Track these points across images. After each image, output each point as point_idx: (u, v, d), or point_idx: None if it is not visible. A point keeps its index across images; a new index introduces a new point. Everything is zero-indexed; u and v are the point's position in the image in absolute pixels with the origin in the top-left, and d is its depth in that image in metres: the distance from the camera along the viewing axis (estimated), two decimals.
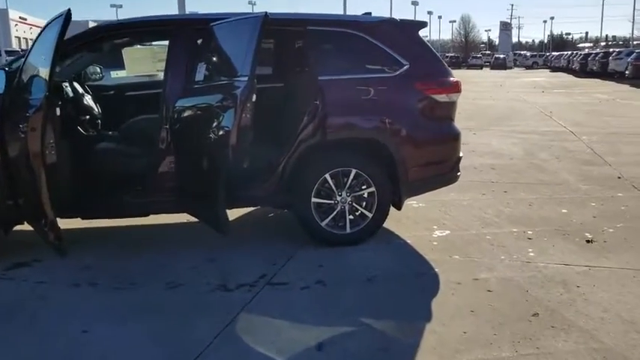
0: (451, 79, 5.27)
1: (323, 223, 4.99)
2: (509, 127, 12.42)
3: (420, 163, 5.11)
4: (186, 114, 4.58)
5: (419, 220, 5.78)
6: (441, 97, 5.17)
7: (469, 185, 7.03)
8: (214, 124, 4.30)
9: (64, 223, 5.12)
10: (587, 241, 5.20)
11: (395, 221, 5.46)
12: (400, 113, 5.08)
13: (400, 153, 4.98)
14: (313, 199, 4.95)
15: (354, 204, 5.03)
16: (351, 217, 5.04)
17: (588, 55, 39.92)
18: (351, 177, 4.98)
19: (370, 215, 5.05)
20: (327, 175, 4.94)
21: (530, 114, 15.19)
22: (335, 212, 5.01)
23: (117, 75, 6.49)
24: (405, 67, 5.09)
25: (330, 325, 3.69)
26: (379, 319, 3.78)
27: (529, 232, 5.45)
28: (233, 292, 4.20)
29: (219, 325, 3.70)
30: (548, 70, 53.28)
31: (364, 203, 5.09)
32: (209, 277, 4.43)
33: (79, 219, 5.00)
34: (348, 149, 5.05)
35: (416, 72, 5.12)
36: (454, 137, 5.30)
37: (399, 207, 5.16)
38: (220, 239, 4.68)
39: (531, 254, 4.90)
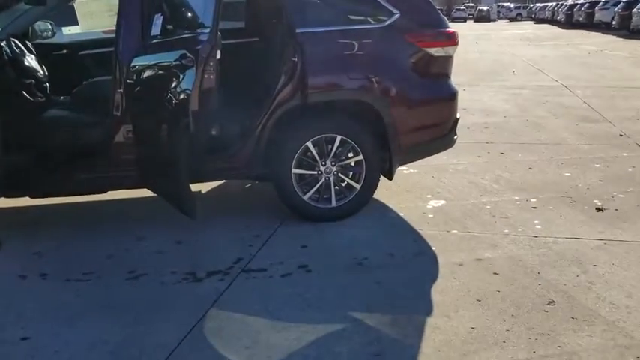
0: (447, 29, 4.64)
1: (305, 197, 4.41)
2: (499, 82, 11.81)
3: (412, 126, 4.51)
4: (142, 75, 3.91)
5: (411, 189, 5.22)
6: (436, 51, 4.54)
7: (463, 147, 6.44)
8: (173, 87, 3.66)
9: (10, 203, 4.50)
10: (598, 210, 4.68)
11: (385, 191, 4.90)
12: (390, 70, 4.47)
13: (390, 116, 4.38)
14: (294, 171, 4.36)
15: (339, 174, 4.45)
16: (337, 189, 4.46)
17: (574, 5, 39.04)
18: (336, 144, 4.38)
19: (358, 187, 4.47)
20: (308, 143, 4.34)
21: (520, 67, 14.58)
22: (319, 184, 4.42)
23: (70, 32, 5.74)
24: (395, 17, 4.44)
25: (315, 323, 3.15)
26: (372, 312, 3.25)
27: (532, 200, 4.92)
28: (203, 283, 3.63)
29: (185, 325, 3.14)
30: (532, 22, 52.39)
31: (351, 173, 4.52)
32: (176, 264, 3.85)
33: (27, 198, 4.38)
34: (331, 113, 4.42)
35: (407, 22, 4.47)
36: (450, 97, 4.70)
37: (390, 176, 4.58)
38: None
39: (538, 227, 4.38)
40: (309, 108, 4.33)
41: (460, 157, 6.12)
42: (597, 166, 5.89)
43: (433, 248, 4.04)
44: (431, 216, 4.61)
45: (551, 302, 3.31)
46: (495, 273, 3.67)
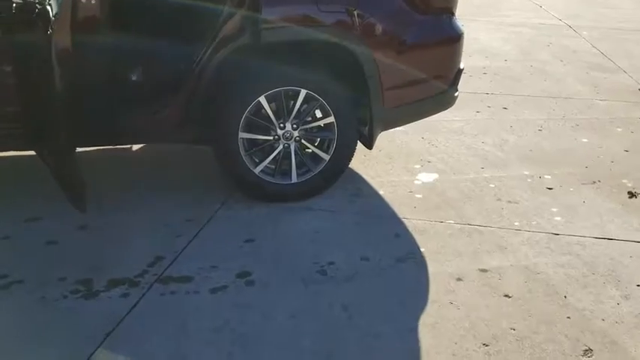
0: None
1: (257, 169, 3.28)
2: (497, 18, 10.44)
3: (402, 79, 3.34)
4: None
5: (395, 155, 4.09)
6: None
7: (459, 98, 5.28)
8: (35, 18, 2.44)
9: None
10: (631, 195, 3.62)
11: (363, 157, 3.77)
12: (375, 2, 3.25)
13: (373, 64, 3.20)
14: (241, 134, 3.20)
15: (303, 141, 3.31)
16: (299, 159, 3.33)
17: None
18: (300, 101, 3.21)
19: (327, 157, 3.34)
20: (262, 99, 3.16)
21: (517, 2, 13.16)
22: (275, 153, 3.28)
23: None
24: None
25: None
26: None
27: (546, 177, 3.84)
28: (98, 300, 2.54)
29: None
30: None
31: (318, 140, 3.38)
32: (68, 264, 2.74)
33: None
34: (294, 58, 3.22)
35: None
36: (454, 39, 3.51)
37: (369, 145, 3.44)
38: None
39: (557, 218, 3.32)
40: (263, 50, 3.12)
41: (455, 112, 4.91)
42: (619, 129, 4.79)
43: (422, 249, 2.97)
44: (419, 196, 3.52)
45: (587, 351, 2.28)
46: (507, 295, 2.62)
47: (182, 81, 3.11)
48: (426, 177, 3.78)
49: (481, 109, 5.20)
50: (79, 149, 3.05)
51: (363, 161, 3.84)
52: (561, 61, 7.33)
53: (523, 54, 7.74)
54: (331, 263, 2.81)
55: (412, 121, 3.68)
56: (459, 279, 2.73)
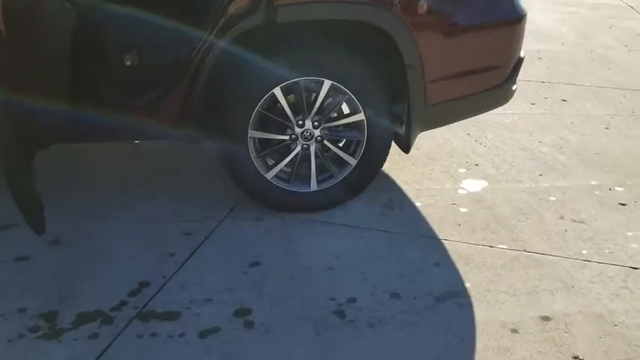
0: None
1: (269, 174, 2.71)
2: None
3: (450, 70, 2.71)
4: None
5: (435, 155, 3.46)
6: None
7: None
8: None
9: None
10: None
11: (397, 156, 3.15)
12: None
13: (415, 50, 2.57)
14: (251, 133, 2.63)
15: (325, 142, 2.72)
16: (320, 163, 2.74)
17: None
18: (322, 94, 2.61)
19: (354, 162, 2.75)
20: (276, 90, 2.57)
21: None
22: (291, 155, 2.71)
23: None
24: None
25: None
26: None
27: (618, 189, 3.17)
28: (60, 342, 2.02)
29: None
30: None
31: (344, 141, 2.79)
32: (30, 293, 2.23)
33: None
34: (317, 42, 2.62)
35: None
36: (516, 21, 2.84)
37: (405, 148, 2.83)
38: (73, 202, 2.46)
39: (634, 245, 2.68)
40: (278, 31, 2.54)
41: (507, 104, 4.28)
42: None
43: (467, 285, 2.36)
44: (464, 210, 2.90)
45: None
46: (576, 358, 2.01)
47: (182, 68, 2.54)
48: (472, 184, 3.15)
49: (537, 100, 4.50)
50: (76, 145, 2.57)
51: (397, 162, 3.24)
52: (626, 46, 6.50)
53: (582, 37, 6.92)
54: (352, 301, 2.24)
55: (459, 120, 3.05)
56: (514, 330, 2.13)
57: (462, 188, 3.11)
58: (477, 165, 3.37)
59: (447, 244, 2.61)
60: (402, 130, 2.78)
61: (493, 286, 2.35)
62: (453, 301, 2.26)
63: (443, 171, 3.29)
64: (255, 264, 2.44)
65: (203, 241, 2.58)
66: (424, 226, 2.75)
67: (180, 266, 2.41)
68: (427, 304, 2.23)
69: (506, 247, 2.61)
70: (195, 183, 3.02)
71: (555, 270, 2.46)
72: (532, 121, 4.06)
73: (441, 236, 2.67)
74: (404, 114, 2.72)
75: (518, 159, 3.47)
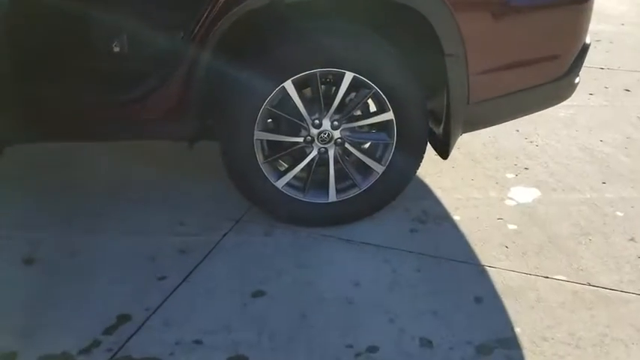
0: None
1: (279, 183, 2.28)
2: None
3: (499, 60, 2.21)
4: None
5: (479, 156, 2.98)
6: None
7: None
8: None
9: None
10: None
11: (431, 158, 2.66)
12: None
13: (457, 36, 2.08)
14: (258, 134, 2.20)
15: (347, 145, 2.27)
16: (340, 169, 2.30)
17: None
18: (344, 88, 2.16)
19: (380, 169, 2.29)
20: (287, 84, 2.13)
21: None
22: (306, 160, 2.27)
23: None
24: None
25: None
26: None
27: None
28: None
29: None
30: None
31: (369, 144, 2.34)
32: None
33: None
34: (335, 26, 2.16)
35: None
36: (580, 0, 2.31)
37: (443, 152, 2.36)
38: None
39: None
40: (289, 12, 2.09)
41: None
42: None
43: (517, 330, 1.90)
44: (512, 227, 2.42)
45: None
46: None
47: (176, 56, 2.13)
48: (522, 194, 2.66)
49: (595, 90, 3.93)
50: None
51: (433, 164, 2.76)
52: None
53: None
54: (373, 350, 1.80)
55: (508, 121, 2.55)
56: None
57: (510, 199, 2.62)
58: (527, 169, 2.88)
59: (492, 273, 2.14)
60: (439, 131, 2.31)
61: (550, 332, 1.88)
62: (500, 353, 1.79)
63: (487, 176, 2.80)
64: (259, 293, 2.03)
65: (200, 262, 2.18)
66: (463, 247, 2.28)
67: (170, 294, 2.02)
68: (467, 357, 1.78)
69: (565, 278, 2.13)
70: (200, 188, 2.62)
71: (629, 312, 1.97)
72: (591, 115, 3.52)
73: (484, 262, 2.20)
74: (442, 112, 2.24)
75: (576, 162, 2.96)
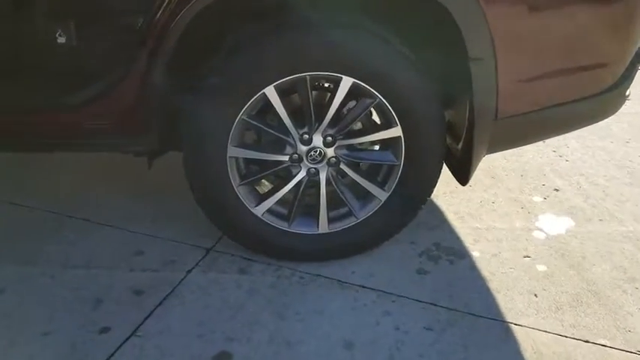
0: None
1: (259, 209, 1.86)
2: None
3: (536, 67, 1.76)
4: None
5: (501, 174, 2.55)
6: None
7: None
8: None
9: None
10: None
11: (445, 178, 2.20)
12: None
13: (485, 36, 1.62)
14: (232, 151, 1.77)
15: (342, 165, 1.83)
16: (332, 193, 1.87)
17: None
18: (340, 96, 1.71)
19: (383, 196, 1.86)
20: (269, 90, 1.69)
21: None
22: (292, 183, 1.84)
23: None
24: None
25: None
26: None
27: None
28: None
29: None
30: None
31: (368, 165, 1.91)
32: None
33: None
34: (329, 19, 1.71)
35: None
36: None
37: (462, 177, 1.92)
38: None
39: None
40: (273, 2, 1.64)
41: None
42: None
43: None
44: (542, 269, 1.99)
45: None
46: None
47: (132, 53, 1.69)
48: (552, 223, 2.23)
49: (632, 93, 3.45)
50: None
51: (447, 184, 2.33)
52: None
53: None
54: None
55: (543, 139, 2.11)
56: None
57: (539, 229, 2.19)
58: (557, 190, 2.44)
59: (519, 333, 1.72)
60: (457, 150, 1.87)
61: None
62: None
63: (510, 199, 2.37)
64: (224, 357, 1.61)
65: (156, 307, 1.76)
66: (483, 296, 1.85)
67: (110, 356, 1.60)
68: None
69: (609, 343, 1.70)
70: (166, 206, 2.20)
71: None
72: (628, 124, 3.08)
73: (508, 317, 1.77)
74: (462, 126, 1.81)
75: (615, 182, 2.52)
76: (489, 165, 2.59)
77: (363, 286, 1.86)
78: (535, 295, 1.86)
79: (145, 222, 2.14)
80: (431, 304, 1.80)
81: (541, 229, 2.18)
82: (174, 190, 1.96)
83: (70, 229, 2.10)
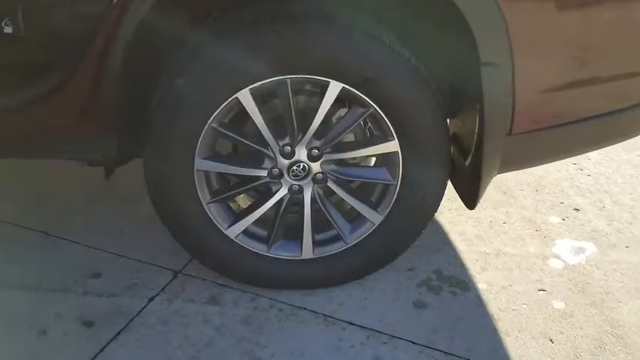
0: None
1: (232, 231, 1.61)
2: None
3: (562, 74, 1.49)
4: None
5: (514, 190, 2.28)
6: None
7: None
8: None
9: None
10: None
11: (451, 195, 1.92)
12: None
13: (502, 38, 1.35)
14: (200, 164, 1.51)
15: (330, 183, 1.58)
16: (320, 216, 1.62)
17: None
18: (327, 103, 1.45)
19: (378, 218, 1.60)
20: (243, 94, 1.43)
21: None
22: (271, 202, 1.58)
23: None
24: None
25: None
26: None
27: None
28: None
29: None
30: None
31: (361, 183, 1.65)
32: None
33: None
34: (315, 14, 1.45)
35: None
36: None
37: (469, 200, 1.65)
38: None
39: None
40: None
41: None
42: None
43: None
44: (559, 306, 1.73)
45: None
46: None
47: (79, 44, 1.44)
48: (572, 250, 1.96)
49: None
50: None
51: (452, 200, 2.07)
52: None
53: None
54: None
55: (566, 158, 1.84)
56: None
57: (556, 257, 1.93)
58: (577, 210, 2.17)
59: None
60: (464, 166, 1.61)
61: None
62: None
63: (524, 219, 2.11)
64: None
65: (106, 345, 1.52)
66: (489, 339, 1.60)
67: None
68: None
69: None
70: (132, 219, 1.96)
71: None
72: None
73: None
74: (470, 144, 1.54)
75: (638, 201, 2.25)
76: (501, 177, 2.33)
77: (352, 323, 1.62)
78: (551, 340, 1.60)
79: (110, 237, 1.90)
80: (428, 347, 1.55)
81: (558, 257, 1.92)
82: (147, 201, 1.73)
83: (26, 243, 1.86)
